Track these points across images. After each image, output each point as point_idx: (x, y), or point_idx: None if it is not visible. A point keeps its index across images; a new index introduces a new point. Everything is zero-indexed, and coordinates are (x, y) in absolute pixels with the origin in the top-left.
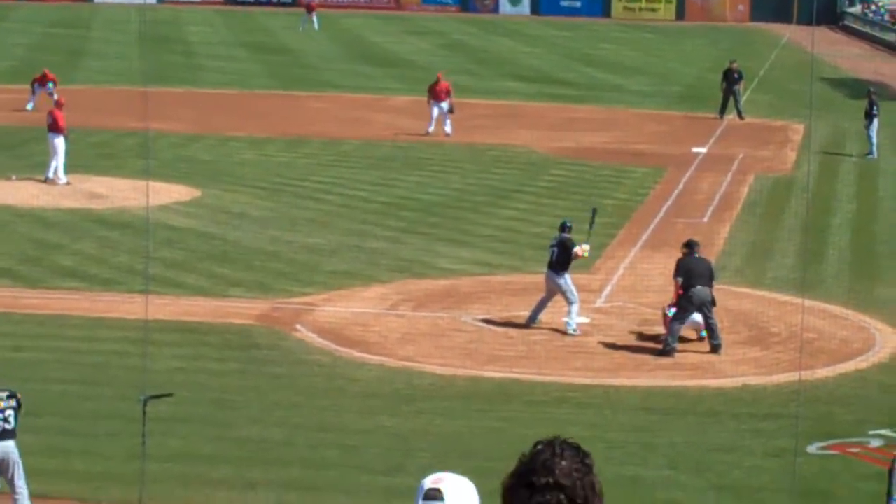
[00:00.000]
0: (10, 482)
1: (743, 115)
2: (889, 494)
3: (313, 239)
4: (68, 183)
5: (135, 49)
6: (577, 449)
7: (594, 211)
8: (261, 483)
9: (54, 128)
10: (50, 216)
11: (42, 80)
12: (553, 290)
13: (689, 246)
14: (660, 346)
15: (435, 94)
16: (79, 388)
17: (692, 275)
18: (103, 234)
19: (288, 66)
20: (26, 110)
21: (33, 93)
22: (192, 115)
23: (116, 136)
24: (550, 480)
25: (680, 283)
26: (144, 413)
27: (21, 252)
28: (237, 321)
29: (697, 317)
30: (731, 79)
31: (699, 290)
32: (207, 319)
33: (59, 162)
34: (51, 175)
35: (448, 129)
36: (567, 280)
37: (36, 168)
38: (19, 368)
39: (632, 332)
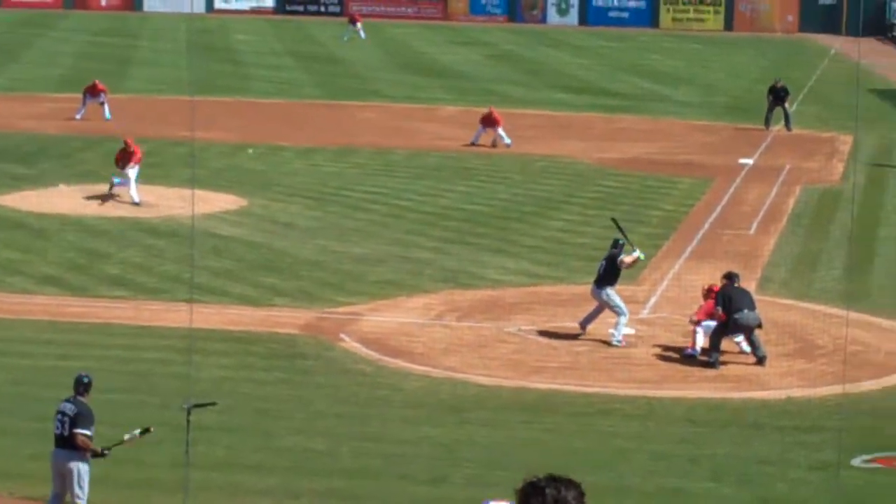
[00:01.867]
0: (70, 490)
1: (791, 128)
2: None
3: (359, 249)
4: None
5: (183, 58)
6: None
7: (615, 221)
8: (305, 493)
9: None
10: (97, 224)
11: (93, 90)
12: (601, 304)
13: (730, 277)
14: (704, 358)
15: (486, 122)
16: (124, 397)
17: (736, 301)
18: (150, 242)
19: (336, 76)
20: (75, 119)
21: (84, 102)
22: (240, 125)
23: (164, 145)
24: None
25: (721, 311)
26: (189, 422)
27: (68, 260)
28: (282, 330)
29: (738, 337)
30: (777, 95)
31: (746, 314)
32: (252, 328)
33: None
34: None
35: (507, 140)
36: (610, 294)
37: (85, 176)
38: (65, 376)
39: (676, 344)
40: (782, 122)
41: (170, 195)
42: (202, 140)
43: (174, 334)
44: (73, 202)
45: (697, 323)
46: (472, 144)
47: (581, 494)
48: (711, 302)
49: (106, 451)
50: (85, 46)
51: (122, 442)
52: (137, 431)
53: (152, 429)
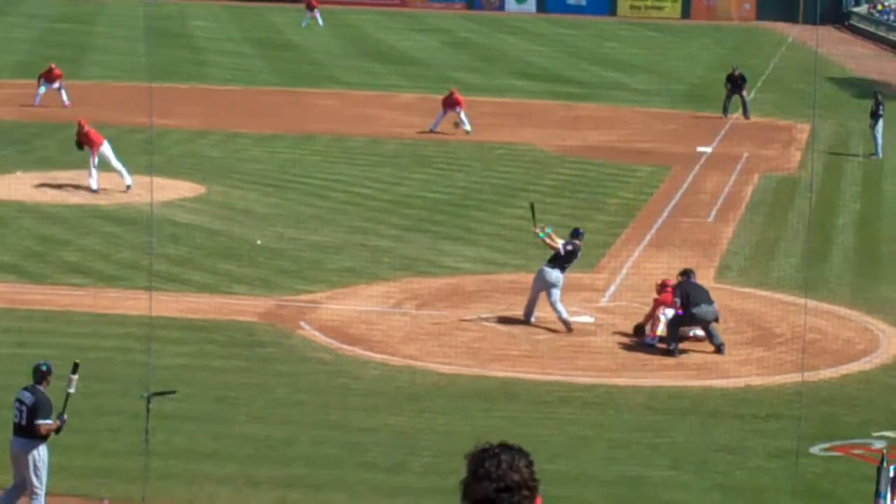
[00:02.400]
0: (27, 479)
1: (749, 116)
2: (877, 492)
3: (318, 236)
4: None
5: (140, 44)
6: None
7: (531, 206)
8: (264, 481)
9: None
10: (55, 212)
11: (49, 76)
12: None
13: (686, 274)
14: (662, 346)
15: (449, 104)
16: (82, 385)
17: (694, 296)
18: (108, 230)
19: (294, 63)
20: (34, 105)
21: (39, 88)
22: (199, 112)
23: (122, 132)
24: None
25: (679, 304)
26: (148, 410)
27: (26, 247)
28: (241, 318)
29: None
30: (735, 84)
31: (704, 308)
32: (211, 316)
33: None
34: (129, 182)
35: (467, 126)
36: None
37: (42, 163)
38: (23, 364)
39: (635, 332)
40: (740, 110)
41: None
42: (160, 127)
43: (133, 322)
44: (30, 189)
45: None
46: (432, 132)
47: (531, 463)
48: (667, 295)
49: (63, 418)
50: (42, 32)
51: (68, 396)
52: (72, 374)
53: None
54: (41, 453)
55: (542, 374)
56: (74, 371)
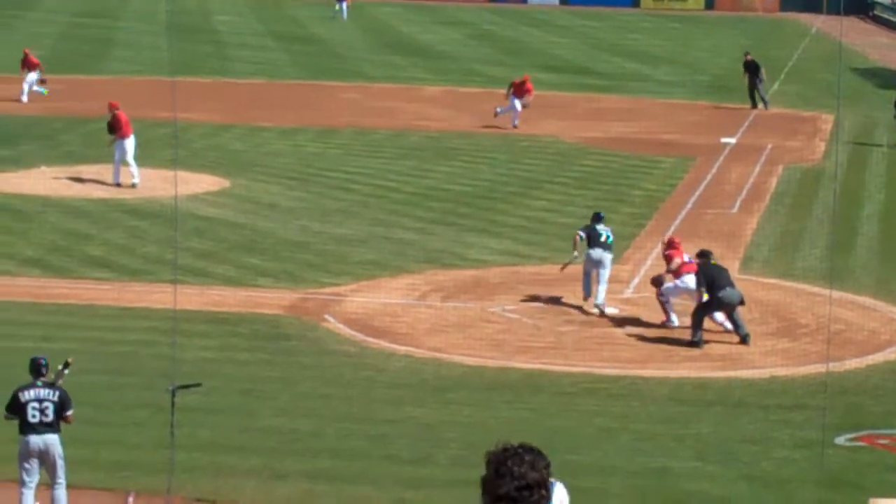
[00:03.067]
0: (52, 474)
1: (768, 104)
2: None
3: (343, 229)
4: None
5: (163, 39)
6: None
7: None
8: (289, 473)
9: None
10: (80, 206)
11: (28, 64)
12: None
13: (706, 255)
14: (688, 338)
15: (519, 92)
16: (107, 378)
17: (718, 280)
18: (132, 223)
19: (317, 56)
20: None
21: (26, 78)
22: (222, 106)
23: (146, 127)
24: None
25: (704, 291)
26: (173, 403)
27: (51, 242)
28: (266, 311)
29: (720, 316)
30: (750, 70)
31: (729, 291)
32: (236, 309)
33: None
34: (137, 180)
35: (517, 121)
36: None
37: (66, 158)
38: (49, 358)
39: (660, 323)
40: (760, 100)
41: (152, 176)
42: (183, 121)
43: (158, 315)
44: (55, 183)
45: (676, 277)
46: (515, 128)
47: (548, 465)
48: (676, 251)
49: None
50: (65, 28)
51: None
52: (64, 370)
53: (70, 359)
54: (62, 444)
55: (566, 365)
56: (66, 367)
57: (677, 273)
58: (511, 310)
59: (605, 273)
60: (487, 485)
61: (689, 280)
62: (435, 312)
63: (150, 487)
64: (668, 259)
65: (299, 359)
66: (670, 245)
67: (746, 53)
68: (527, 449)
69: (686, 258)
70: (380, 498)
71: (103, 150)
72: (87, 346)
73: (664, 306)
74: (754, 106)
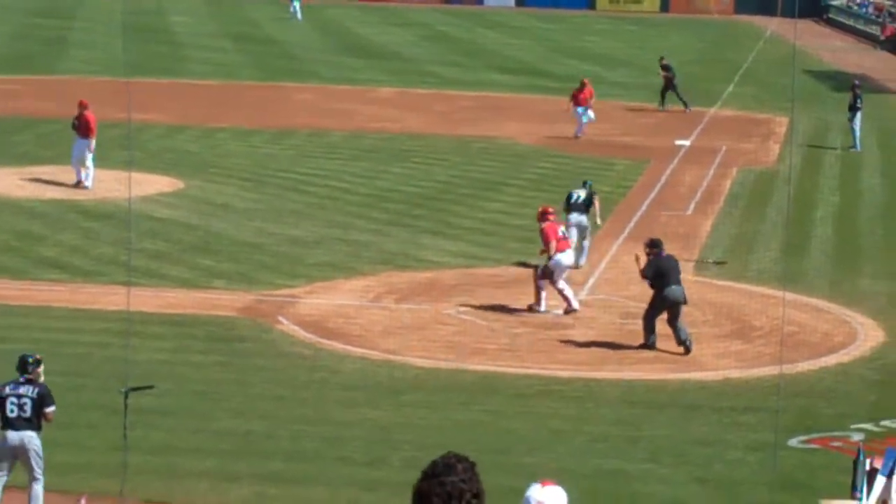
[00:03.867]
0: (29, 470)
1: (689, 105)
2: (853, 485)
3: (297, 231)
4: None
5: (118, 39)
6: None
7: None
8: (243, 475)
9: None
10: (33, 207)
11: None
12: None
13: (657, 245)
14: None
15: (578, 100)
16: (61, 380)
17: (666, 274)
18: (86, 225)
19: (273, 57)
20: None
21: None
22: (177, 107)
23: (100, 127)
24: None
25: (650, 283)
26: (126, 405)
27: (3, 242)
28: (220, 313)
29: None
30: (667, 73)
31: (674, 289)
32: (190, 311)
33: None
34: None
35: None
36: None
37: (19, 159)
38: (1, 360)
39: (615, 325)
40: (680, 103)
41: (105, 177)
42: (138, 122)
43: (112, 317)
44: (8, 184)
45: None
46: (576, 138)
47: (476, 474)
48: (552, 225)
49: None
50: (19, 28)
51: None
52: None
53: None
54: (40, 440)
55: (521, 367)
56: (38, 365)
57: (553, 252)
58: (466, 312)
59: (586, 232)
60: (417, 494)
61: (564, 258)
62: (390, 314)
63: (103, 490)
64: (544, 235)
65: (254, 361)
66: (544, 216)
67: (661, 58)
68: (458, 458)
69: (561, 233)
70: (333, 500)
71: (57, 150)
72: (41, 348)
73: (538, 294)
74: (662, 109)
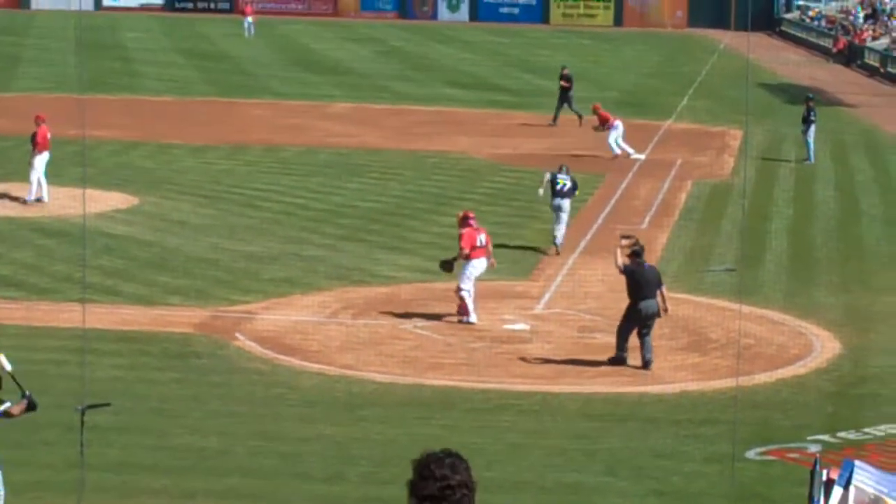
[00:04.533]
0: None
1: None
2: (810, 496)
3: (253, 247)
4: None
5: (72, 56)
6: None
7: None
8: (199, 492)
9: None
10: None
11: None
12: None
13: (638, 255)
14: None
15: (605, 121)
16: (16, 397)
17: (643, 286)
18: (40, 242)
19: (227, 73)
20: None
21: None
22: (131, 123)
23: (54, 144)
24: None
25: (627, 292)
26: (82, 422)
27: None
28: (176, 330)
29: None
30: (566, 83)
31: (649, 303)
32: (146, 328)
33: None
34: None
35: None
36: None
37: None
38: None
39: (571, 339)
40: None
41: (60, 194)
42: (92, 138)
43: (67, 334)
44: None
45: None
46: (616, 156)
47: (468, 468)
48: (471, 231)
49: (27, 394)
50: None
51: (12, 375)
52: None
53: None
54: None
55: (478, 381)
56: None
57: (468, 258)
58: (422, 326)
59: (564, 216)
60: (413, 487)
61: (478, 264)
62: (346, 329)
63: None
64: (461, 240)
65: (210, 377)
66: (465, 221)
67: (563, 67)
68: (448, 453)
69: (479, 242)
70: None
71: (8, 167)
72: None
73: (463, 302)
74: (555, 121)
